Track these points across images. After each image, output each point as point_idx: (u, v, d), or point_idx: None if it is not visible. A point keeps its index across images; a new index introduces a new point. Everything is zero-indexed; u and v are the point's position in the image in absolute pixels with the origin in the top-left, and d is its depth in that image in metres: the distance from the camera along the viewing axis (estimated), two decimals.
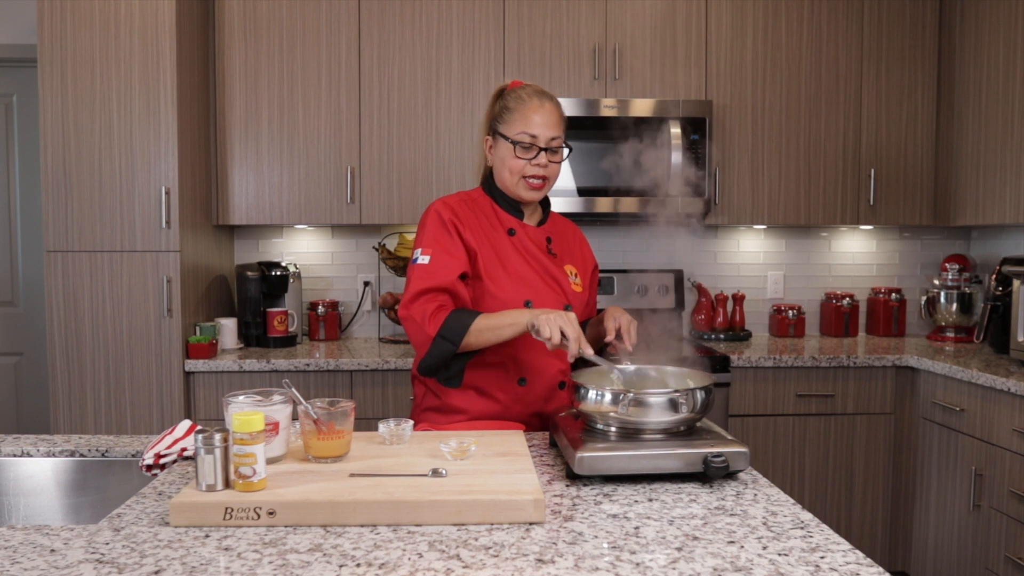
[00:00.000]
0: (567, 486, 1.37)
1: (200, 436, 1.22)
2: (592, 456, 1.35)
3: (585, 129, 3.06)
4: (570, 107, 3.06)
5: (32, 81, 3.50)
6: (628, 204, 3.09)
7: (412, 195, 3.15)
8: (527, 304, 1.74)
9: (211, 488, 1.22)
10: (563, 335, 1.53)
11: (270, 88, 3.11)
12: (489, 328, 1.64)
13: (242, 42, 3.09)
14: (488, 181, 1.86)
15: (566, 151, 1.81)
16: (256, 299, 3.15)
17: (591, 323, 1.91)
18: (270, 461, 1.34)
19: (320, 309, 3.32)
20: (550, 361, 1.78)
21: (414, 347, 1.71)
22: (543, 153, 1.75)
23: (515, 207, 1.83)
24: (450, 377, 1.77)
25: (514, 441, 1.52)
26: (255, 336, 3.16)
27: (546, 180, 1.78)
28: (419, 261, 1.71)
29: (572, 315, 1.56)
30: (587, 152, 3.07)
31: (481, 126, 1.89)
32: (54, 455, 1.63)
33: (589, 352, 1.54)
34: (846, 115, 3.27)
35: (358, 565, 1.04)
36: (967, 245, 3.65)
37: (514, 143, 1.75)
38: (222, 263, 3.32)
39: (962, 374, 2.67)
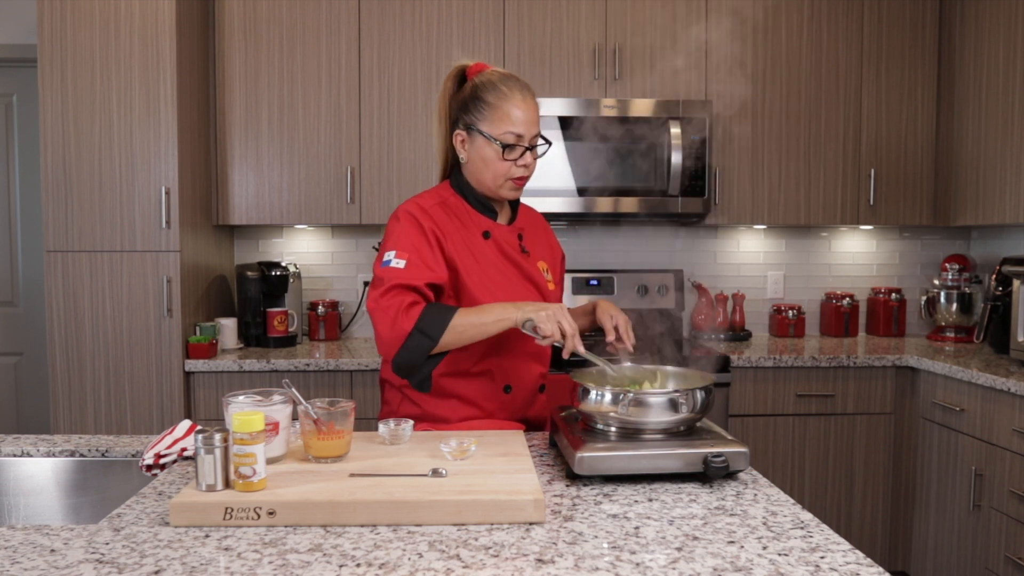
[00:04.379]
0: (567, 486, 1.37)
1: (200, 436, 1.22)
2: (592, 456, 1.35)
3: (585, 129, 3.06)
4: (570, 107, 3.06)
5: (32, 81, 3.50)
6: (628, 204, 3.09)
7: (412, 195, 3.14)
8: None
9: (211, 488, 1.22)
10: (561, 332, 1.49)
11: (270, 88, 3.11)
12: (471, 324, 1.54)
13: (242, 42, 3.09)
14: (456, 177, 1.74)
15: (544, 146, 1.71)
16: (256, 299, 3.15)
17: (572, 313, 1.86)
18: (270, 461, 1.34)
19: (320, 309, 3.32)
20: (532, 366, 1.75)
21: (380, 344, 1.57)
22: (528, 152, 1.66)
23: (487, 207, 1.73)
24: (421, 381, 1.67)
25: (514, 441, 1.52)
26: (255, 336, 3.16)
27: (528, 178, 1.71)
28: (392, 264, 1.58)
29: (565, 308, 1.53)
30: (587, 152, 3.07)
31: (437, 112, 1.73)
32: (54, 455, 1.63)
33: (582, 350, 1.51)
34: (846, 115, 3.27)
35: (358, 565, 1.04)
36: (967, 245, 3.65)
37: (503, 145, 1.63)
38: (222, 263, 3.32)
39: (962, 374, 2.67)
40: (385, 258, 1.60)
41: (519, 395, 1.74)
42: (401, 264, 1.58)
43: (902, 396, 3.01)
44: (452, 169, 1.78)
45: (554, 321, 1.49)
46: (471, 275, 1.66)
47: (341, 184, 3.15)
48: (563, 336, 1.50)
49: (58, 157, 2.79)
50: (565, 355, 1.52)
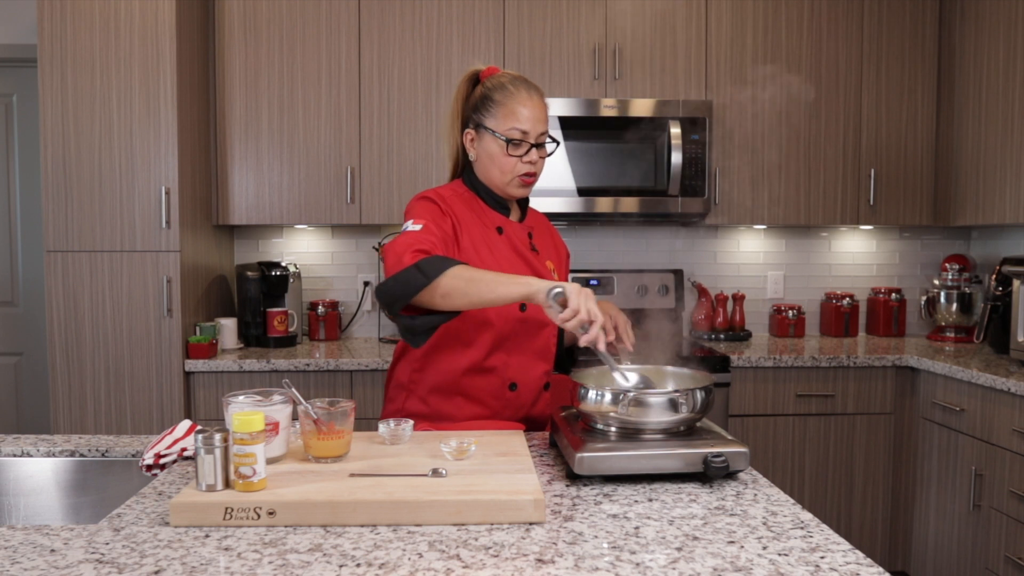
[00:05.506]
0: (567, 486, 1.37)
1: (200, 436, 1.22)
2: (592, 456, 1.35)
3: (585, 129, 3.06)
4: (570, 107, 3.06)
5: (32, 81, 3.50)
6: (628, 204, 3.09)
7: (412, 195, 3.15)
8: (521, 307, 1.70)
9: (211, 488, 1.22)
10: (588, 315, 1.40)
11: (270, 88, 3.11)
12: (481, 279, 1.46)
13: (242, 42, 3.09)
14: (468, 175, 1.77)
15: (552, 145, 1.74)
16: (256, 299, 3.15)
17: None
18: (270, 461, 1.34)
19: (320, 309, 3.32)
20: (537, 364, 1.76)
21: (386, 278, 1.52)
22: (534, 149, 1.68)
23: (501, 204, 1.76)
24: (415, 333, 1.54)
25: (514, 441, 1.52)
26: (255, 336, 3.16)
27: (535, 176, 1.72)
28: (410, 229, 1.58)
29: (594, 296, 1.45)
30: (587, 152, 3.06)
31: (451, 113, 1.76)
32: (54, 455, 1.63)
33: (602, 347, 1.43)
34: (846, 115, 3.27)
35: (358, 565, 1.04)
36: (967, 245, 3.65)
37: (507, 140, 1.65)
38: (222, 263, 3.32)
39: (962, 374, 2.67)
40: (404, 227, 1.62)
41: (524, 393, 1.75)
42: (418, 228, 1.59)
43: (902, 396, 3.01)
44: (464, 169, 1.81)
45: (585, 299, 1.40)
46: (488, 266, 1.67)
47: (341, 184, 3.14)
48: (590, 321, 1.40)
49: (58, 157, 2.79)
50: (584, 342, 1.41)
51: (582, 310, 1.39)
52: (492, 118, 1.68)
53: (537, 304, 1.46)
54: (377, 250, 3.37)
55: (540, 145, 1.70)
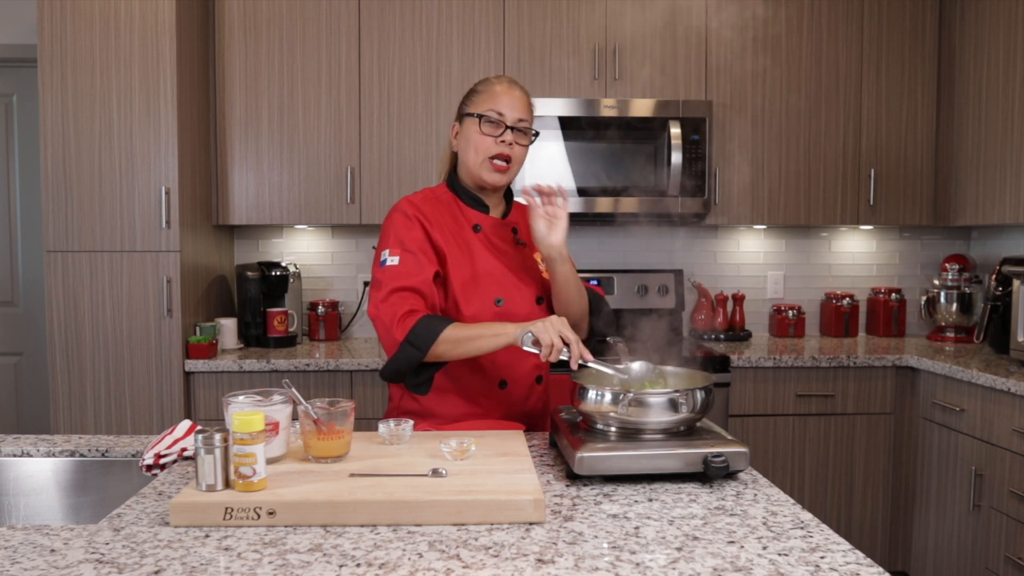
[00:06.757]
0: (567, 486, 1.37)
1: (200, 436, 1.22)
2: (592, 456, 1.35)
3: (585, 129, 3.06)
4: (570, 107, 3.06)
5: (32, 81, 3.50)
6: (628, 204, 3.09)
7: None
8: (497, 302, 1.70)
9: (211, 488, 1.22)
10: (563, 341, 1.49)
11: (270, 88, 3.11)
12: (466, 338, 1.57)
13: (242, 42, 3.09)
14: (451, 177, 1.82)
15: (532, 134, 1.76)
16: (256, 299, 3.15)
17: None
18: (270, 461, 1.34)
19: (320, 309, 3.32)
20: (526, 359, 1.76)
21: (384, 349, 1.62)
22: (509, 131, 1.70)
23: (479, 202, 1.78)
24: (418, 384, 1.72)
25: (514, 441, 1.52)
26: (255, 336, 3.16)
27: (511, 162, 1.73)
28: (388, 263, 1.65)
29: (564, 319, 1.52)
30: (587, 152, 3.06)
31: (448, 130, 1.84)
32: (54, 455, 1.63)
33: (589, 357, 1.50)
34: (846, 115, 3.27)
35: (358, 565, 1.04)
36: (967, 245, 3.65)
37: (480, 117, 1.70)
38: (222, 263, 3.32)
39: (962, 374, 2.67)
40: (381, 259, 1.67)
41: (515, 390, 1.76)
42: (395, 261, 1.65)
43: (902, 396, 3.01)
44: (450, 172, 1.86)
45: (554, 330, 1.48)
46: (457, 264, 1.70)
47: (341, 184, 3.14)
48: (566, 345, 1.49)
49: (58, 157, 2.79)
50: (573, 365, 1.49)
51: (555, 341, 1.48)
52: (473, 105, 1.75)
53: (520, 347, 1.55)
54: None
55: (521, 132, 1.73)
